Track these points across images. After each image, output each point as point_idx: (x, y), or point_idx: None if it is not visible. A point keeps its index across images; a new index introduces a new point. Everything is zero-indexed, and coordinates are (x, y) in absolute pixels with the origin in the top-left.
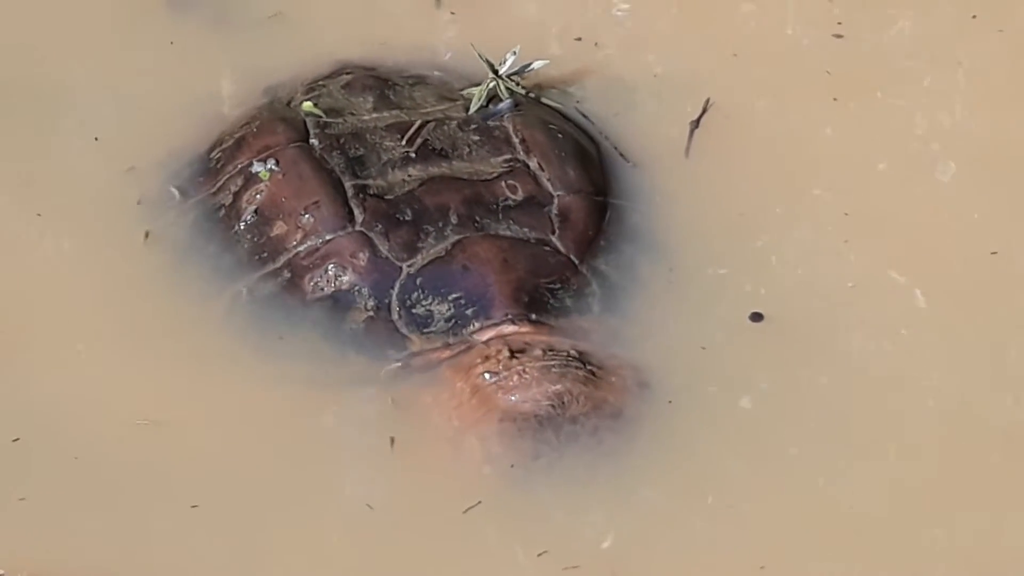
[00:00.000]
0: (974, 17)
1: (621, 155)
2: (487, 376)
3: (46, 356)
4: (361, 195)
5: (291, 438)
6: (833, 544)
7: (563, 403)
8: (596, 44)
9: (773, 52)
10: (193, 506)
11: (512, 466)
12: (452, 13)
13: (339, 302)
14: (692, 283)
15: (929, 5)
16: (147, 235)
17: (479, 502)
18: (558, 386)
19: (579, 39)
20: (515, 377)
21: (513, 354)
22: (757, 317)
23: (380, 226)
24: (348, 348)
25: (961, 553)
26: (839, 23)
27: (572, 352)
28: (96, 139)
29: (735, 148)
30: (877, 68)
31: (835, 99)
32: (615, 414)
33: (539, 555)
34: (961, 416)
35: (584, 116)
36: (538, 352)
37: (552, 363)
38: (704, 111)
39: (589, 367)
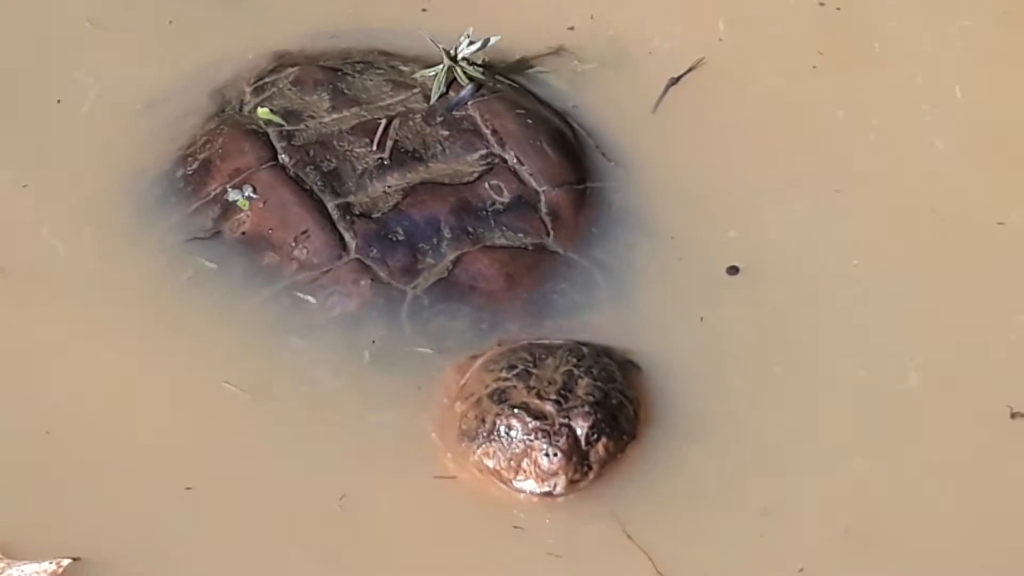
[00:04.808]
0: None
1: (602, 153)
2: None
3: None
4: (348, 217)
5: (304, 449)
6: (834, 519)
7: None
8: (589, 19)
9: (759, 20)
10: (187, 488)
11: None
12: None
13: (348, 324)
14: (692, 257)
15: None
16: None
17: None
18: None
19: (570, 26)
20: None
21: None
22: (733, 270)
23: (375, 250)
24: (365, 364)
25: (955, 516)
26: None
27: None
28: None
29: (718, 120)
30: (867, 36)
31: (814, 67)
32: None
33: (515, 527)
34: (961, 388)
35: (554, 103)
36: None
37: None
38: (689, 70)
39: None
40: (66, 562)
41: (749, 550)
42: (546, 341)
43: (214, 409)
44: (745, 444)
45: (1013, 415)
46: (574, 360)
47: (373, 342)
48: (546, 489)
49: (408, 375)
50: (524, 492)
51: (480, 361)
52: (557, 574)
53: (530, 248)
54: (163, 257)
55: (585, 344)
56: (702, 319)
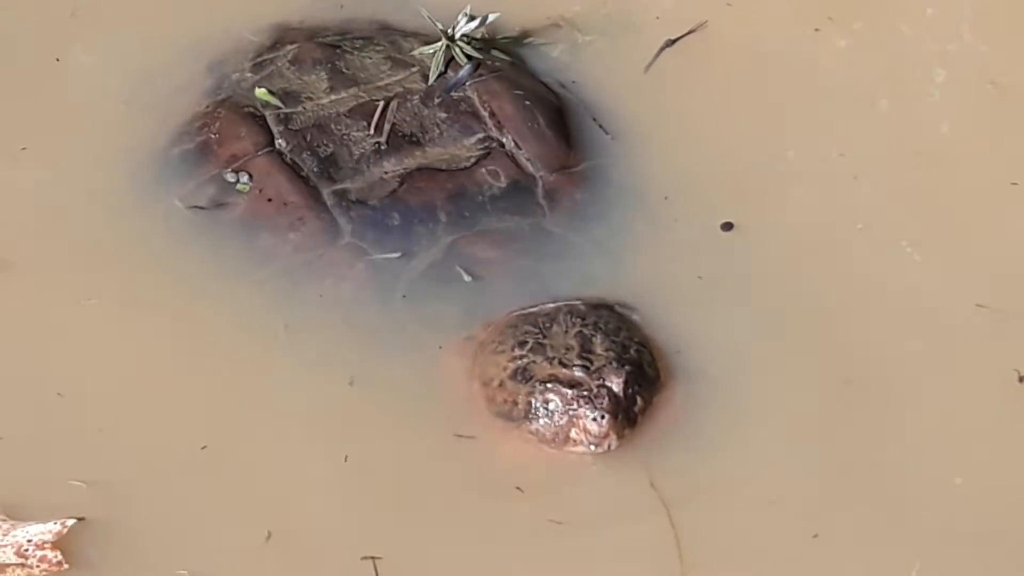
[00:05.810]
0: None
1: (600, 127)
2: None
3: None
4: (343, 203)
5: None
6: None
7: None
8: None
9: None
10: (203, 447)
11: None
12: None
13: (348, 302)
14: (689, 232)
15: None
16: None
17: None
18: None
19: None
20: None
21: None
22: (728, 226)
23: (370, 234)
24: (368, 337)
25: (962, 481)
26: None
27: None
28: None
29: (723, 86)
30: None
31: (816, 30)
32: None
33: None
34: (969, 351)
35: (554, 76)
36: None
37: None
38: (688, 32)
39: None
40: (71, 522)
41: (760, 516)
42: (535, 308)
43: (219, 373)
44: (750, 403)
45: (1021, 379)
46: (578, 320)
47: (403, 296)
48: (600, 451)
49: (403, 357)
50: (577, 454)
51: (482, 343)
52: (570, 528)
53: (526, 230)
54: (164, 227)
55: (576, 300)
56: (700, 277)
